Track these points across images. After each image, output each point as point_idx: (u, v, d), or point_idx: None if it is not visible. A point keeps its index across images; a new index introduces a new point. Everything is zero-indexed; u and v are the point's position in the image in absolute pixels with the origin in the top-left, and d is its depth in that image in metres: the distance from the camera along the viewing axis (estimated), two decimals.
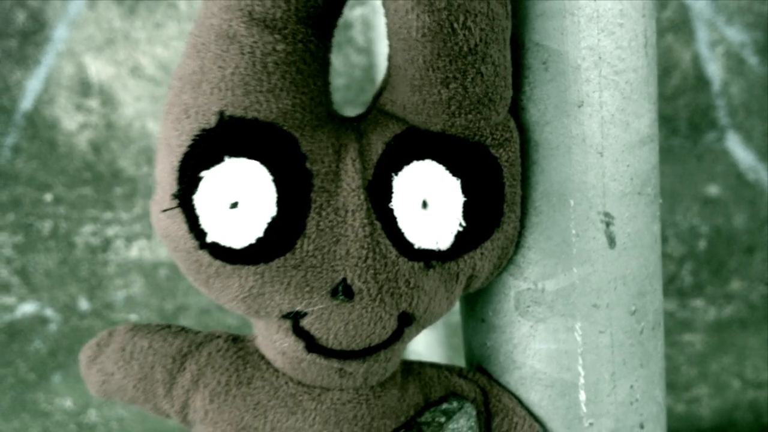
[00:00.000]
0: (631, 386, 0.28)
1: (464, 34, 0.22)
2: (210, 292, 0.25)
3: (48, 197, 1.06)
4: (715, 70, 1.03)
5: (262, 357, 0.26)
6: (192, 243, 0.24)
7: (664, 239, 1.11)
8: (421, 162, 0.24)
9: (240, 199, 0.23)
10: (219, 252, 0.24)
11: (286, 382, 0.26)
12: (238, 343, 0.27)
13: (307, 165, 0.24)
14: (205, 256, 0.24)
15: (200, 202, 0.23)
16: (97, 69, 1.01)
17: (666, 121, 1.06)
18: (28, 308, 1.11)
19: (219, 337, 0.27)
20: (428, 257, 0.25)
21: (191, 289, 1.09)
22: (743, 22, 1.02)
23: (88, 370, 0.28)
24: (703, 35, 1.02)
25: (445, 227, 0.24)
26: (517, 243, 0.27)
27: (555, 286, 0.26)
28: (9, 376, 1.10)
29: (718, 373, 1.13)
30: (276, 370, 0.26)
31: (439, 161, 0.24)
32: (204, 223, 0.24)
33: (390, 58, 0.24)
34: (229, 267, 0.24)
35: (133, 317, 1.10)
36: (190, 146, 0.23)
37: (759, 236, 1.10)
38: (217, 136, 0.23)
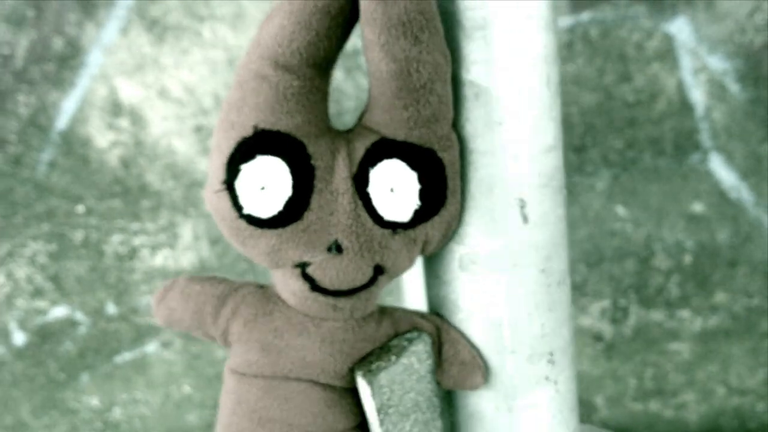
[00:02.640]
0: (542, 324, 0.39)
1: (417, 76, 0.34)
2: (245, 250, 0.37)
3: (80, 209, 1.10)
4: (698, 96, 1.08)
5: (279, 297, 0.38)
6: (234, 214, 0.36)
7: (652, 254, 1.18)
8: (389, 160, 0.36)
9: (266, 184, 0.35)
10: (252, 220, 0.36)
11: (296, 314, 0.37)
12: (263, 288, 0.39)
13: (312, 162, 0.35)
14: (242, 224, 0.36)
15: (240, 186, 0.35)
16: (128, 91, 1.06)
17: (653, 143, 1.10)
18: (59, 312, 1.15)
19: (250, 284, 0.39)
20: (394, 226, 0.36)
21: None
22: (725, 52, 1.07)
23: (158, 307, 0.40)
24: (686, 63, 1.07)
25: (406, 206, 0.36)
26: (459, 220, 0.38)
27: (486, 250, 0.38)
28: (40, 375, 1.15)
29: (705, 381, 1.18)
30: (289, 306, 0.38)
31: (402, 160, 0.36)
32: (242, 200, 0.35)
33: (369, 90, 0.36)
34: (258, 231, 0.36)
35: (156, 320, 1.19)
36: (234, 148, 0.35)
37: (741, 251, 1.13)
38: (252, 141, 0.35)
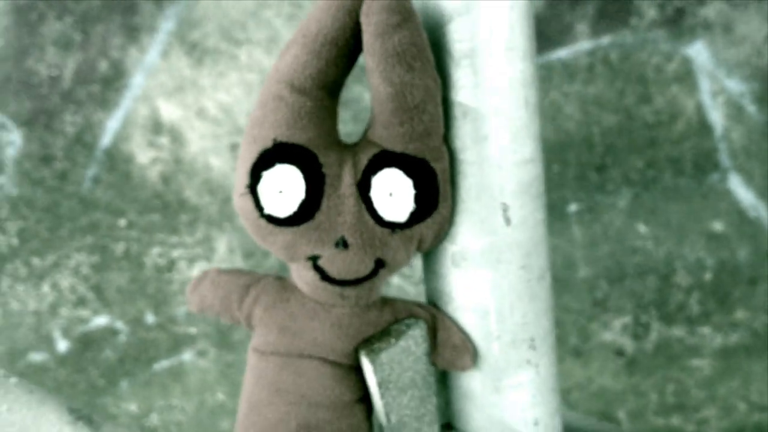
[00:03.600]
0: (523, 314, 0.45)
1: (410, 98, 0.41)
2: (265, 245, 0.43)
3: (122, 222, 1.17)
4: (716, 117, 1.13)
5: (295, 286, 0.45)
6: (256, 214, 0.43)
7: (673, 271, 1.21)
8: (389, 169, 0.42)
9: (283, 188, 0.42)
10: (271, 219, 0.42)
11: (309, 301, 0.44)
12: (281, 279, 0.46)
13: (323, 170, 0.42)
14: (263, 222, 0.43)
15: (261, 190, 0.42)
16: (168, 111, 1.13)
17: (673, 163, 1.14)
18: (100, 321, 1.20)
19: (270, 276, 0.46)
20: (393, 226, 0.43)
21: None
22: (742, 74, 1.12)
23: (191, 295, 0.47)
24: (705, 86, 1.12)
25: (403, 208, 0.43)
26: (450, 221, 0.45)
27: (474, 248, 0.44)
28: (82, 381, 1.19)
29: (726, 397, 1.20)
30: (303, 294, 0.44)
31: (400, 169, 0.42)
32: (263, 202, 0.42)
33: (371, 109, 0.43)
34: (276, 228, 0.43)
35: (193, 330, 1.19)
36: (256, 158, 0.42)
37: (761, 269, 1.16)
38: (271, 152, 0.42)
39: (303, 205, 0.41)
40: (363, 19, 0.40)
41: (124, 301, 1.21)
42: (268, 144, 0.41)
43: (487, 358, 0.45)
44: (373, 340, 0.44)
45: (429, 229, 0.43)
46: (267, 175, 0.41)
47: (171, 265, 1.19)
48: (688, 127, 1.14)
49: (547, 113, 1.15)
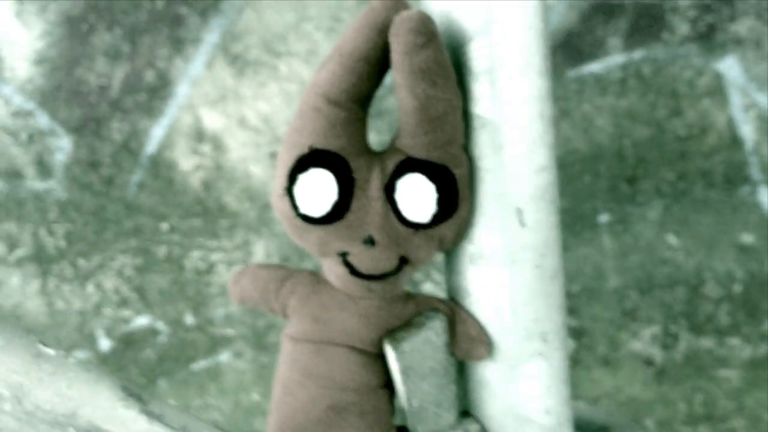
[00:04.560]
0: (536, 310, 0.50)
1: (434, 111, 0.46)
2: (300, 242, 0.48)
3: (164, 226, 1.20)
4: (747, 131, 1.15)
5: (326, 280, 0.50)
6: (292, 213, 0.47)
7: (703, 282, 1.21)
8: (413, 174, 0.47)
9: (318, 190, 0.47)
10: (306, 219, 0.47)
11: (339, 293, 0.49)
12: (315, 274, 0.51)
13: (353, 174, 0.47)
14: (298, 221, 0.48)
15: (297, 191, 0.47)
16: (211, 120, 1.16)
17: (704, 176, 1.15)
18: (142, 321, 1.24)
19: (305, 271, 0.51)
20: (416, 226, 0.48)
21: None
22: None
23: (233, 287, 0.52)
24: (736, 100, 1.14)
25: (425, 210, 0.47)
26: (469, 223, 0.50)
27: (491, 248, 0.49)
28: (122, 379, 1.27)
29: (754, 407, 1.23)
30: (334, 287, 0.49)
31: (423, 174, 0.47)
32: (298, 203, 0.47)
33: (398, 120, 0.48)
34: (310, 227, 0.48)
35: (230, 332, 1.22)
36: (294, 163, 0.47)
37: None
38: (307, 158, 0.47)
39: (335, 206, 0.46)
40: (391, 39, 0.45)
41: (165, 302, 1.24)
42: (305, 150, 0.46)
43: (502, 350, 0.50)
44: (396, 331, 0.48)
45: (449, 229, 0.48)
46: (303, 178, 0.46)
47: (210, 269, 1.22)
48: (719, 140, 1.15)
49: (580, 125, 1.18)
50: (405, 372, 0.48)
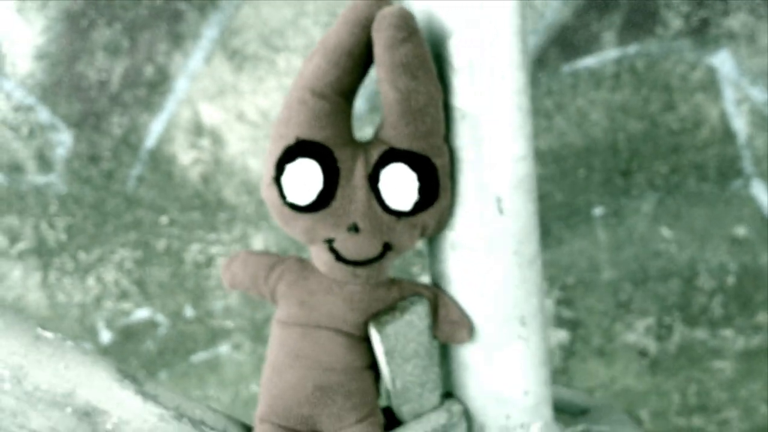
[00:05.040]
0: (515, 294, 0.52)
1: (415, 103, 0.48)
2: (288, 229, 0.51)
3: (164, 220, 1.21)
4: (740, 124, 1.16)
5: (314, 266, 0.52)
6: (280, 201, 0.50)
7: (696, 274, 1.20)
8: (396, 164, 0.49)
9: (304, 179, 0.49)
10: (293, 207, 0.50)
11: (326, 279, 0.51)
12: (303, 260, 0.53)
13: (338, 164, 0.49)
14: (286, 209, 0.50)
15: (285, 181, 0.49)
16: (209, 114, 1.17)
17: (697, 169, 1.18)
18: (142, 313, 1.25)
19: (293, 257, 0.53)
20: (398, 214, 0.50)
21: None
22: (765, 83, 1.15)
23: (225, 272, 0.55)
24: (729, 94, 1.15)
25: (407, 198, 0.50)
26: (449, 211, 0.52)
27: (470, 235, 0.51)
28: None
29: (747, 398, 1.25)
30: (320, 273, 0.52)
31: (405, 164, 0.49)
32: (286, 191, 0.50)
33: (381, 112, 0.50)
34: (297, 214, 0.50)
35: (229, 324, 1.24)
36: (282, 153, 0.49)
37: None
38: (294, 148, 0.49)
39: (320, 194, 0.49)
40: (374, 34, 0.47)
41: (165, 295, 1.25)
42: (292, 141, 0.49)
43: (482, 333, 0.52)
44: (381, 314, 0.51)
45: (431, 217, 0.50)
46: (290, 168, 0.49)
47: (209, 261, 1.24)
48: (712, 134, 1.17)
49: (574, 119, 1.19)
50: (389, 354, 0.50)
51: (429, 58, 0.48)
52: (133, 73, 1.18)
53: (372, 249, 0.49)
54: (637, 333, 1.26)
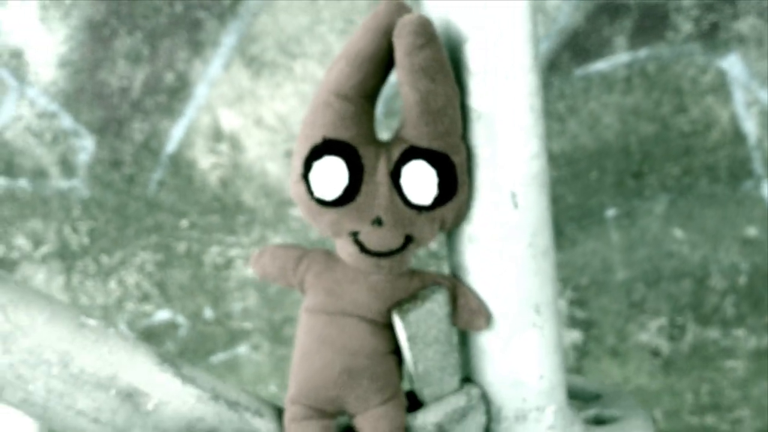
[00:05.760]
0: (529, 284, 0.56)
1: (433, 104, 0.52)
2: (315, 223, 0.55)
3: (184, 223, 1.24)
4: (750, 126, 1.19)
5: (339, 258, 0.56)
6: (308, 197, 0.54)
7: (708, 274, 1.22)
8: (416, 161, 0.53)
9: (330, 176, 0.53)
10: (320, 202, 0.54)
11: (351, 269, 0.55)
12: (329, 252, 0.57)
13: (362, 161, 0.53)
14: (313, 204, 0.54)
15: (312, 177, 0.53)
16: (228, 120, 1.20)
17: (708, 170, 1.21)
18: (163, 315, 1.28)
19: (320, 249, 0.57)
20: (419, 208, 0.54)
21: (296, 304, 1.25)
22: None
23: (255, 265, 0.59)
24: (739, 97, 1.19)
25: (427, 194, 0.54)
26: (467, 205, 0.56)
27: (486, 228, 0.55)
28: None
29: (759, 397, 1.27)
30: (346, 264, 0.56)
31: (425, 161, 0.53)
32: (313, 187, 0.54)
33: (402, 112, 0.54)
34: (324, 209, 0.54)
35: (248, 325, 1.27)
36: (309, 152, 0.53)
37: None
38: (321, 147, 0.53)
39: (346, 190, 0.53)
40: (395, 40, 0.51)
41: (185, 297, 1.29)
42: (318, 140, 0.53)
43: (499, 321, 0.56)
44: (403, 302, 0.55)
45: (449, 211, 0.54)
46: (317, 165, 0.53)
47: (228, 264, 1.27)
48: (723, 136, 1.20)
49: (587, 123, 1.22)
50: (411, 340, 0.54)
51: (447, 62, 0.52)
52: (154, 80, 1.21)
53: (394, 241, 0.53)
54: (650, 333, 1.29)
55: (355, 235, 0.54)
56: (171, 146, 1.24)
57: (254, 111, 1.22)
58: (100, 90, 1.22)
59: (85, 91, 1.22)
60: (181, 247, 1.28)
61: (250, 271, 1.25)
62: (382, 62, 0.52)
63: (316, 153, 0.52)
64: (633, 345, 1.30)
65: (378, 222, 0.53)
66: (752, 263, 1.24)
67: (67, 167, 1.25)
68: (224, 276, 1.28)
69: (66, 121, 1.23)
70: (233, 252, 1.28)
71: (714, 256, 1.24)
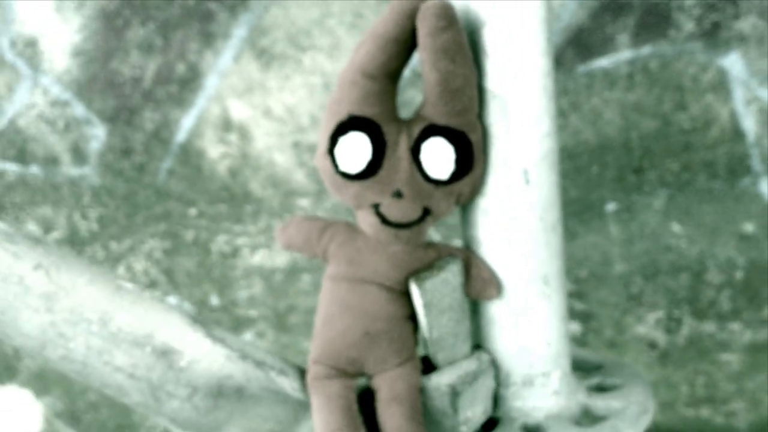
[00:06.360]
0: (539, 255, 0.60)
1: (453, 84, 0.56)
2: (339, 195, 0.59)
3: (192, 211, 1.27)
4: (749, 124, 1.21)
5: (360, 229, 0.60)
6: (333, 170, 0.58)
7: (705, 269, 1.24)
8: (435, 138, 0.57)
9: (355, 151, 0.57)
10: (345, 175, 0.58)
11: (371, 240, 0.59)
12: (351, 224, 0.61)
13: (385, 137, 0.57)
14: (338, 177, 0.58)
15: (337, 152, 0.58)
16: (238, 110, 1.23)
17: (707, 167, 1.23)
18: (170, 301, 1.10)
19: (342, 221, 0.62)
20: (437, 183, 0.58)
21: (300, 292, 1.27)
22: None
23: (281, 236, 0.62)
24: (739, 95, 1.21)
25: (445, 169, 0.58)
26: (482, 181, 0.60)
27: (499, 203, 0.59)
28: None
29: (754, 390, 1.29)
30: (367, 235, 0.60)
31: (444, 137, 0.57)
32: (338, 161, 0.58)
33: (423, 91, 0.58)
34: (348, 182, 0.58)
35: (253, 313, 1.29)
36: (335, 127, 0.57)
37: None
38: (346, 123, 0.57)
39: (369, 164, 0.57)
40: (418, 23, 0.56)
41: (192, 284, 1.31)
42: (344, 117, 0.57)
43: (509, 291, 0.61)
44: (420, 272, 0.59)
45: (465, 186, 0.58)
46: (342, 141, 0.57)
47: (235, 252, 1.30)
48: (722, 133, 1.22)
49: (589, 118, 1.25)
50: (427, 307, 0.58)
51: (466, 44, 0.56)
52: (166, 71, 1.24)
53: (413, 213, 0.57)
54: (648, 325, 1.30)
55: (376, 207, 0.58)
56: (181, 136, 1.26)
57: (263, 102, 1.24)
58: (112, 79, 1.24)
59: (98, 80, 1.24)
60: (189, 235, 1.30)
61: (256, 260, 1.28)
62: (406, 44, 0.56)
63: (341, 129, 0.57)
64: (630, 337, 1.32)
65: (398, 194, 0.57)
66: (749, 258, 1.26)
67: (79, 155, 1.28)
68: (231, 264, 1.30)
69: (78, 110, 1.26)
70: (240, 241, 1.30)
71: (711, 251, 1.26)
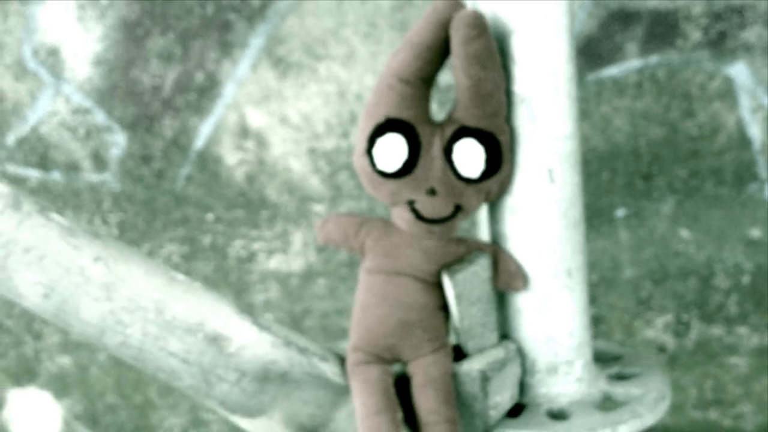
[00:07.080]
0: (562, 250, 0.64)
1: (483, 88, 0.61)
2: (376, 192, 0.63)
3: (210, 217, 1.29)
4: (755, 131, 1.24)
5: (395, 225, 0.65)
6: (370, 169, 0.62)
7: (713, 273, 1.27)
8: (466, 139, 0.62)
9: (391, 151, 0.62)
10: (382, 174, 0.62)
11: (406, 235, 0.63)
12: (386, 221, 0.66)
13: (419, 138, 0.62)
14: (375, 176, 0.63)
15: (375, 152, 0.62)
16: (255, 118, 1.25)
17: (714, 173, 1.26)
18: None
19: (378, 219, 0.66)
20: (468, 181, 0.62)
21: (316, 296, 1.29)
22: None
23: (320, 232, 0.67)
24: (745, 103, 1.23)
25: (475, 168, 0.62)
26: (510, 179, 0.65)
27: (525, 200, 0.64)
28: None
29: (761, 393, 1.31)
30: (402, 230, 0.64)
31: (474, 139, 0.62)
32: (376, 160, 0.62)
33: (455, 95, 0.63)
34: (385, 180, 0.62)
35: (269, 317, 1.29)
36: (373, 129, 0.62)
37: None
38: (383, 125, 0.62)
39: (405, 163, 0.62)
40: (451, 32, 0.61)
41: (209, 287, 1.34)
42: (381, 119, 0.62)
43: (534, 283, 0.65)
44: (452, 265, 0.64)
45: (494, 184, 0.63)
46: (380, 142, 0.62)
47: (251, 257, 1.32)
48: (729, 140, 1.25)
49: (599, 125, 1.27)
50: (458, 297, 0.63)
51: (496, 52, 0.61)
52: (185, 79, 1.26)
53: (446, 209, 0.62)
54: (656, 329, 1.33)
55: (411, 204, 0.63)
56: (199, 143, 1.27)
57: (280, 110, 1.26)
58: (132, 88, 1.27)
59: (119, 88, 1.27)
60: (207, 240, 1.32)
61: (272, 264, 1.30)
62: (439, 51, 0.61)
63: (379, 131, 0.62)
64: (639, 341, 1.33)
65: (432, 192, 0.62)
66: (756, 263, 1.28)
67: (99, 161, 1.30)
68: (247, 269, 1.32)
69: (99, 117, 1.29)
70: (256, 245, 1.32)
71: (719, 256, 1.28)
